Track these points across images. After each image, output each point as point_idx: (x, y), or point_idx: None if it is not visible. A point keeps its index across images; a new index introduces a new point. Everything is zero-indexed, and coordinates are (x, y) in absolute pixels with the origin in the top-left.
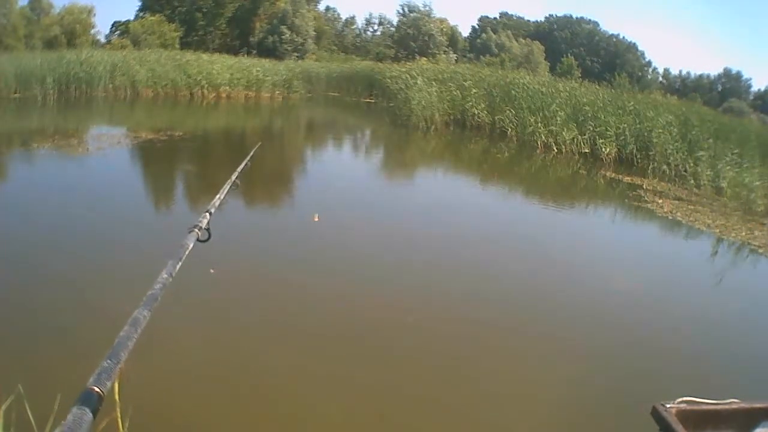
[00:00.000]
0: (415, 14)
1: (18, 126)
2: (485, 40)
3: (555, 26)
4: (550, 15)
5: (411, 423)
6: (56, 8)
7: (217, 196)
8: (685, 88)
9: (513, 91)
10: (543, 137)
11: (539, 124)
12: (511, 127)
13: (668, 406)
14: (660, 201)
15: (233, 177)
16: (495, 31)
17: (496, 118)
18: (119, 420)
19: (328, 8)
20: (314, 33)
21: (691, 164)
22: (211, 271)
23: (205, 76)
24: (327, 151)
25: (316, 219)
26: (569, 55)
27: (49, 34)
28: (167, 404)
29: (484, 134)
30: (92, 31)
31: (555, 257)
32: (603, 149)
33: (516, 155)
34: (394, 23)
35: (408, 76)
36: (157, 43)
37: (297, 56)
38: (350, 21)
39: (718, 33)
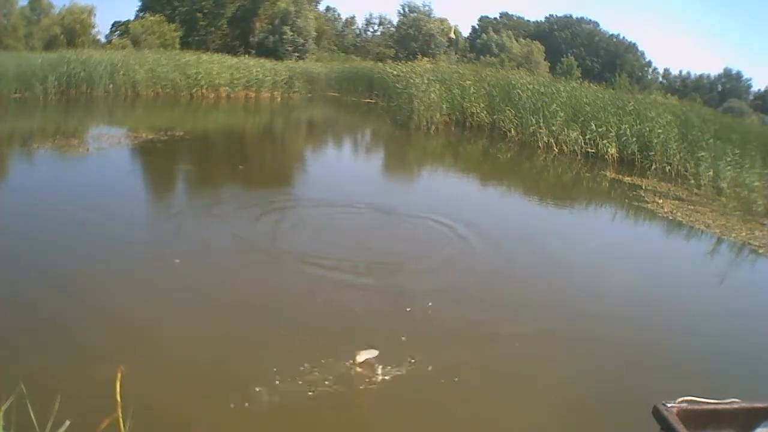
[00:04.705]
0: (415, 14)
1: (18, 126)
2: (485, 41)
3: (555, 26)
4: (550, 15)
5: (410, 423)
6: (56, 8)
7: None
8: (685, 88)
9: (514, 91)
10: (544, 138)
11: (540, 125)
12: (512, 127)
13: (669, 405)
14: (660, 201)
15: None
16: (496, 31)
17: (495, 118)
18: (120, 420)
19: (328, 8)
20: (315, 33)
21: (692, 165)
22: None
23: (205, 77)
24: (330, 153)
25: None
26: (569, 55)
27: (49, 34)
28: (169, 404)
29: (484, 134)
30: (92, 31)
31: (555, 257)
32: (606, 149)
33: (517, 155)
34: (395, 23)
35: (413, 74)
36: (157, 43)
37: (297, 56)
38: (350, 21)
39: (718, 33)
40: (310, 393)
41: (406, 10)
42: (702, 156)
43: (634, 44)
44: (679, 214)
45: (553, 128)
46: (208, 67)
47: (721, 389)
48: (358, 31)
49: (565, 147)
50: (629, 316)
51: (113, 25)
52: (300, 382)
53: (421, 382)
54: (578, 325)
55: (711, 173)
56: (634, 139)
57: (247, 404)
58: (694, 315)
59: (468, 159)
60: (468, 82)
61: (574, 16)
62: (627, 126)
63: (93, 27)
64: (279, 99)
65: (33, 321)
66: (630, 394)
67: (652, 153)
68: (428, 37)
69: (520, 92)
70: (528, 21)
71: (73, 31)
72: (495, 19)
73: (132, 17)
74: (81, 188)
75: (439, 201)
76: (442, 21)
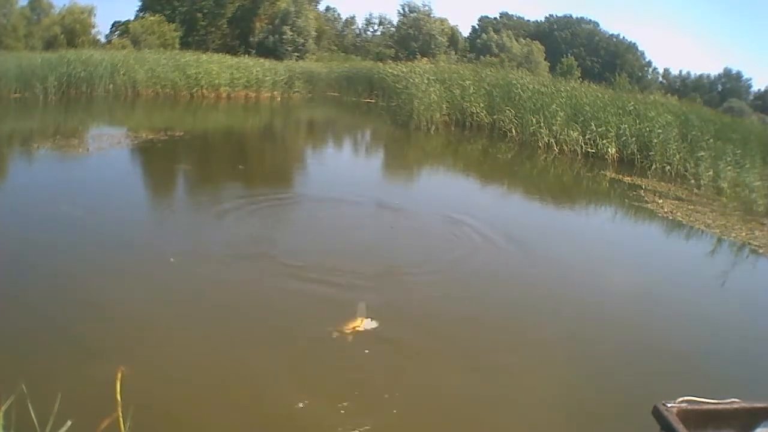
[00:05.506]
0: (415, 14)
1: (19, 126)
2: (485, 40)
3: (555, 26)
4: (550, 15)
5: (409, 424)
6: (56, 8)
7: None
8: (685, 88)
9: (514, 91)
10: (545, 138)
11: (541, 125)
12: (512, 127)
13: (669, 405)
14: (660, 201)
15: None
16: (496, 31)
17: (495, 118)
18: (120, 420)
19: (328, 8)
20: (315, 33)
21: (692, 164)
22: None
23: (205, 77)
24: (330, 153)
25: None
26: (569, 55)
27: (49, 34)
28: (169, 404)
29: (484, 134)
30: (92, 31)
31: (554, 257)
32: (606, 149)
33: (517, 155)
34: (395, 23)
35: (413, 74)
36: (157, 43)
37: (297, 56)
38: (350, 21)
39: (718, 33)
40: (306, 396)
41: (406, 10)
42: (702, 156)
43: (634, 44)
44: (679, 214)
45: (554, 128)
46: (208, 67)
47: (721, 389)
48: (358, 31)
49: (565, 147)
50: (629, 315)
51: (113, 25)
52: (299, 383)
53: (418, 383)
54: (578, 325)
55: (711, 173)
56: (634, 139)
57: (247, 403)
58: (694, 315)
59: (468, 159)
60: (468, 82)
61: (574, 16)
62: (627, 126)
63: (93, 27)
64: (279, 99)
65: (33, 321)
66: (630, 394)
67: (652, 153)
68: (428, 37)
69: (521, 92)
70: (528, 21)
71: (73, 31)
72: (495, 19)
73: (132, 17)
74: (81, 188)
75: (439, 201)
76: (442, 21)
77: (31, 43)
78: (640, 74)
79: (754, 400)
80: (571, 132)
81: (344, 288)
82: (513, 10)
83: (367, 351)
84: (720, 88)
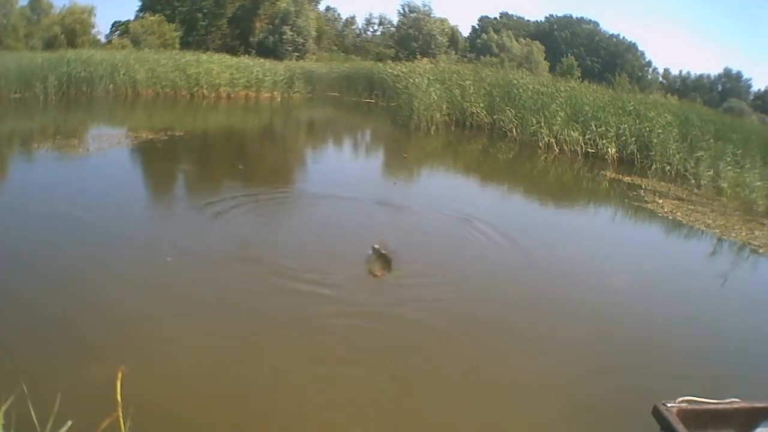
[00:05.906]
0: (415, 14)
1: (19, 126)
2: (485, 40)
3: (555, 26)
4: (550, 15)
5: (409, 425)
6: (56, 8)
7: None
8: (685, 88)
9: (514, 91)
10: (545, 138)
11: (541, 124)
12: (512, 127)
13: (669, 405)
14: (660, 201)
15: None
16: (497, 31)
17: (495, 118)
18: (121, 420)
19: (328, 8)
20: (315, 33)
21: (692, 164)
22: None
23: (205, 77)
24: (330, 153)
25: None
26: (569, 55)
27: (49, 34)
28: (169, 404)
29: (484, 134)
30: (92, 31)
31: (554, 257)
32: (606, 149)
33: (518, 155)
34: (395, 23)
35: (413, 74)
36: (157, 43)
37: (297, 56)
38: (350, 21)
39: (718, 33)
40: (307, 395)
41: (406, 10)
42: (702, 156)
43: (634, 44)
44: (679, 214)
45: (554, 128)
46: (208, 67)
47: (722, 389)
48: (358, 31)
49: (565, 147)
50: (629, 316)
51: (113, 25)
52: (300, 383)
53: (418, 384)
54: (577, 325)
55: (711, 173)
56: (634, 139)
57: (247, 402)
58: (694, 315)
59: (468, 159)
60: (468, 82)
61: (574, 16)
62: (627, 126)
63: (93, 27)
64: (279, 99)
65: (33, 321)
66: (630, 394)
67: (652, 153)
68: (428, 37)
69: (521, 92)
70: (528, 21)
71: (73, 31)
72: (495, 19)
73: (132, 17)
74: (81, 188)
75: (438, 201)
76: (443, 21)
77: (32, 43)
78: (640, 74)
79: (754, 400)
80: (572, 132)
81: (345, 288)
82: (513, 10)
83: (368, 352)
84: (720, 88)
